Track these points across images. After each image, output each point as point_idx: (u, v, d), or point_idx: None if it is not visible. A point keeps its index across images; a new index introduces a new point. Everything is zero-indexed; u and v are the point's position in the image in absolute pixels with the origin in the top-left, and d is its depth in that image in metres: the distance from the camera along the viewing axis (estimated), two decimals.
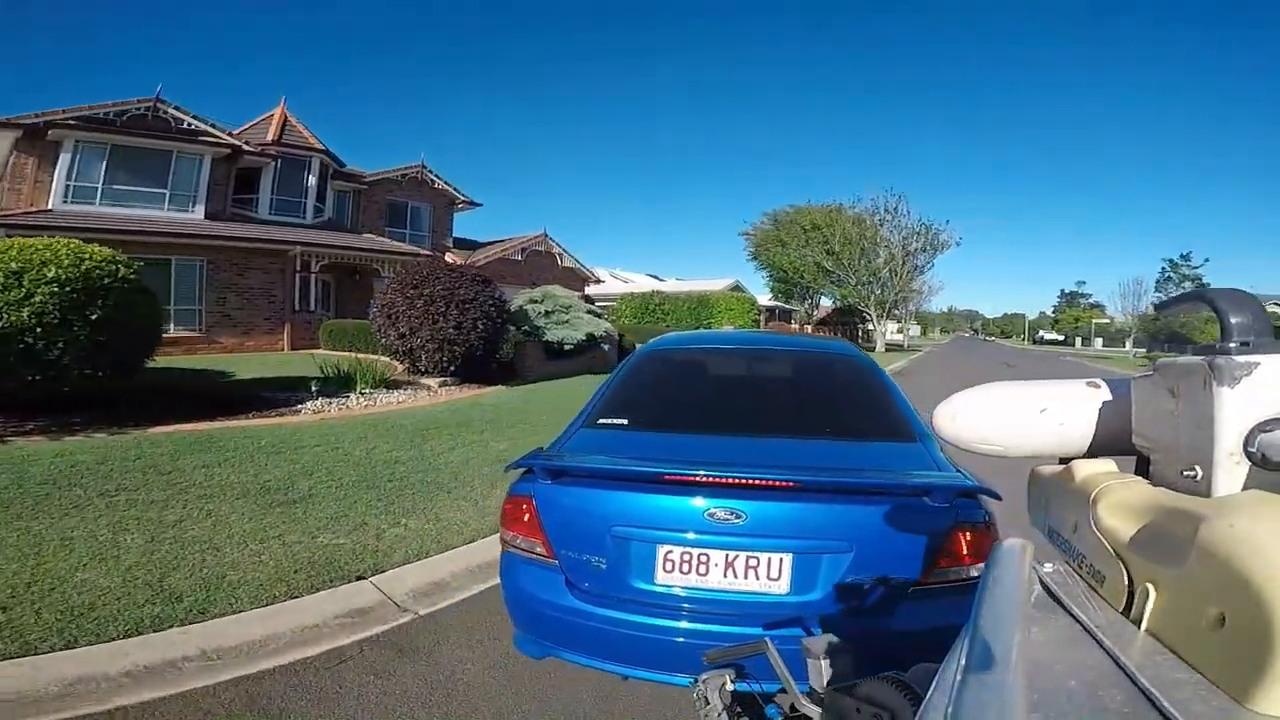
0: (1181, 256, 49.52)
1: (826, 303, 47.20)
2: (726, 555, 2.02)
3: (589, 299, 31.59)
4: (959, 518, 1.99)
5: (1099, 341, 71.39)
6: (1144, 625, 0.62)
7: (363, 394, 9.26)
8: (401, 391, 9.80)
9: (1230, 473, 0.61)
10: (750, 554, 2.01)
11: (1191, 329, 42.49)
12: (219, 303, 16.28)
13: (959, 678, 0.44)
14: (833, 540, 2.00)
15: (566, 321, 13.16)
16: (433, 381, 10.71)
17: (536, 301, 13.33)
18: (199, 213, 16.87)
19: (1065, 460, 0.87)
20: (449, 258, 21.93)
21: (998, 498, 1.98)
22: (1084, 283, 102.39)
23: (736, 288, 31.39)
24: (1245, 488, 0.61)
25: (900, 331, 53.14)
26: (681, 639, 1.97)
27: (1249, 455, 0.60)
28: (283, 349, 16.69)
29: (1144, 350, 47.06)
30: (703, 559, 2.02)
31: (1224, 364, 0.61)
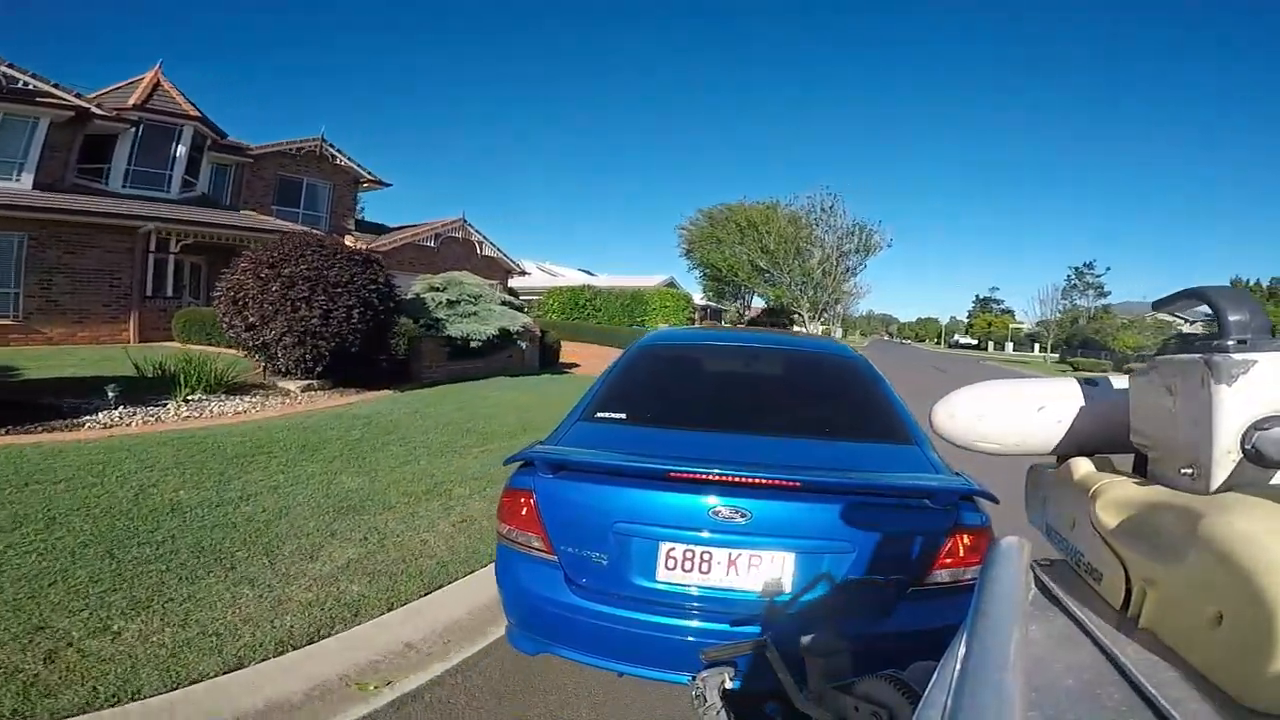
0: (1086, 265, 52.32)
1: (758, 303, 46.90)
2: (730, 554, 2.01)
3: (512, 291, 29.58)
4: (958, 520, 2.02)
5: (1010, 346, 75.38)
6: (1141, 623, 0.63)
7: (188, 401, 7.06)
8: (246, 398, 7.64)
9: (1228, 470, 0.62)
10: (754, 553, 2.01)
11: (1105, 335, 44.93)
12: (43, 286, 13.26)
13: (957, 676, 0.43)
14: (835, 540, 2.00)
15: (474, 314, 11.22)
16: (294, 385, 8.54)
17: (438, 289, 11.31)
18: (25, 181, 13.84)
19: (1063, 458, 0.91)
20: (349, 241, 19.54)
21: (995, 501, 2.00)
22: (997, 289, 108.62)
23: (671, 284, 30.13)
24: (1243, 485, 0.61)
25: (826, 334, 53.95)
26: (682, 637, 1.95)
27: (1246, 453, 0.60)
28: (128, 340, 13.83)
29: (1056, 356, 49.52)
30: (705, 557, 2.02)
31: (1222, 362, 0.61)
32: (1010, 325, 79.36)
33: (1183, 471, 0.67)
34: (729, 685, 1.40)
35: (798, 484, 1.99)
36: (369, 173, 23.25)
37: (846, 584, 1.97)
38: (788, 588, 1.98)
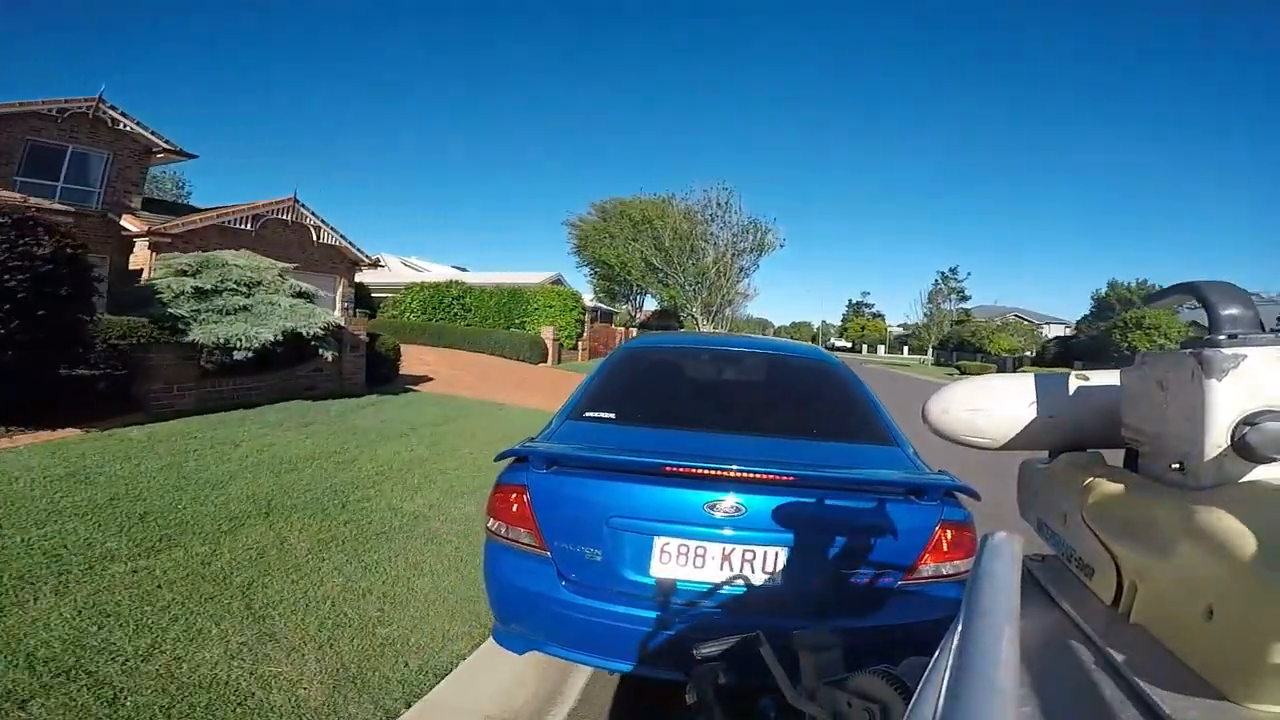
0: (950, 270, 54.45)
1: (651, 305, 44.76)
2: (724, 548, 2.02)
3: (362, 287, 24.94)
4: (944, 515, 2.06)
5: (881, 349, 79.49)
6: (1133, 618, 0.64)
7: None
8: None
9: (1218, 465, 0.61)
10: (747, 547, 2.01)
11: (980, 338, 47.31)
12: None
13: (950, 671, 0.43)
14: (827, 535, 2.03)
15: (245, 309, 7.40)
16: None
17: (186, 273, 7.36)
18: None
19: (1055, 453, 0.94)
20: (128, 222, 14.69)
21: (977, 497, 2.07)
22: (869, 293, 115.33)
23: (558, 282, 26.80)
24: (1233, 480, 0.61)
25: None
26: (676, 631, 1.95)
27: (1236, 447, 0.60)
28: None
29: (931, 358, 51.78)
30: (700, 551, 2.02)
31: (1212, 356, 0.61)
32: (883, 329, 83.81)
33: (1173, 466, 0.67)
34: (723, 681, 1.43)
35: (792, 478, 2.03)
36: (165, 141, 17.86)
37: (838, 578, 2.02)
38: (781, 582, 2.01)
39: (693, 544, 2.01)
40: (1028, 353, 42.60)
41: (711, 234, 30.66)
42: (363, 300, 24.48)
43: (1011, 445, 0.94)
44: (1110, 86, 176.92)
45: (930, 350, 49.83)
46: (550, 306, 22.28)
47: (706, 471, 1.99)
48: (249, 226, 18.21)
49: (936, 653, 0.58)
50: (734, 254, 30.42)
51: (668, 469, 2.02)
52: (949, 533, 2.04)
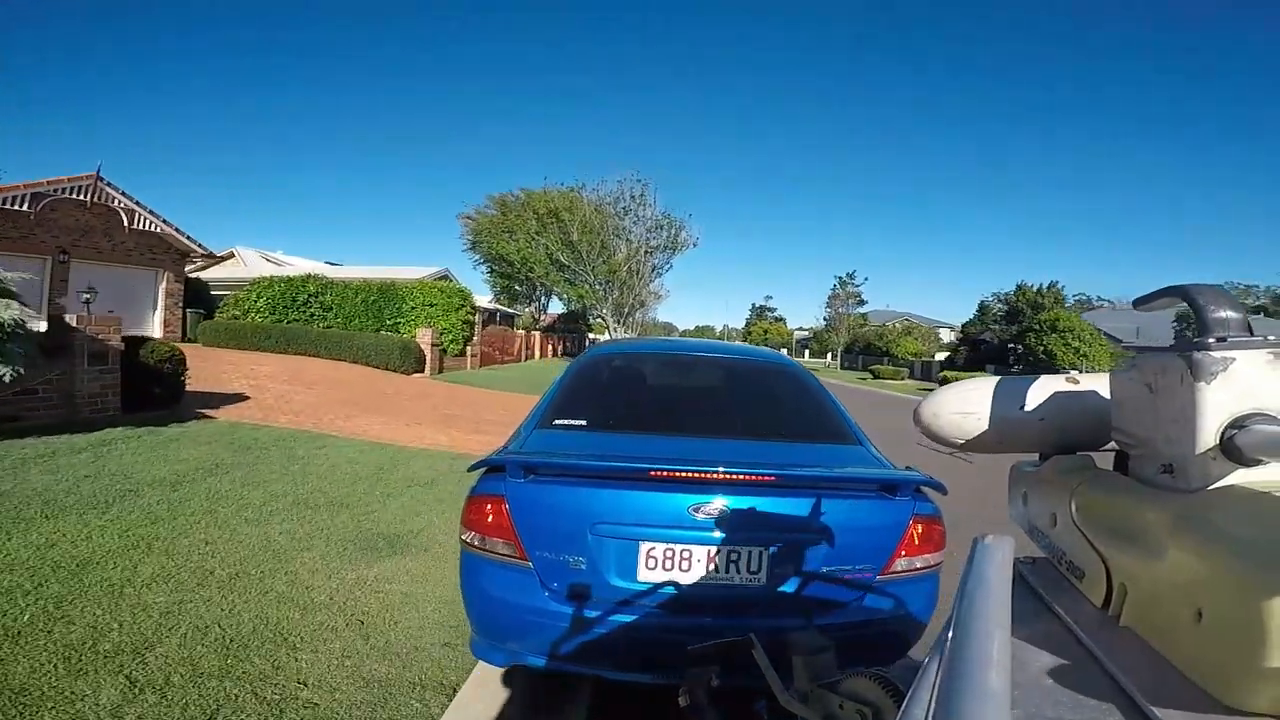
0: (848, 275, 55.85)
1: (555, 308, 41.79)
2: (709, 550, 2.01)
3: (200, 283, 20.45)
4: (916, 510, 2.12)
5: (785, 352, 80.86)
6: (1123, 620, 0.64)
7: None
8: None
9: (1207, 467, 0.61)
10: (732, 548, 2.01)
11: (888, 340, 48.04)
12: None
13: (941, 674, 0.43)
14: (808, 533, 2.04)
15: None
16: None
17: None
18: None
19: (1045, 456, 0.94)
20: None
21: (944, 491, 2.09)
22: (771, 297, 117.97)
23: (445, 278, 23.32)
24: (1222, 482, 0.61)
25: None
26: (665, 636, 1.94)
27: (1225, 450, 0.60)
28: None
29: (833, 362, 52.39)
30: (685, 555, 2.01)
31: (1202, 359, 0.61)
32: (786, 333, 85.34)
33: (1163, 469, 0.67)
34: (716, 683, 1.41)
35: (775, 479, 2.05)
36: None
37: (821, 575, 2.05)
38: (766, 581, 2.02)
39: (679, 548, 2.01)
40: (937, 356, 43.46)
41: (624, 229, 28.29)
42: (199, 299, 20.05)
43: (1002, 448, 0.94)
44: (986, 98, 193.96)
45: (837, 354, 50.07)
46: (431, 305, 18.60)
47: (693, 474, 2.00)
48: (25, 208, 13.78)
49: (928, 655, 0.57)
50: (647, 251, 28.24)
51: (654, 473, 2.02)
52: (920, 527, 2.11)
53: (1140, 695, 0.52)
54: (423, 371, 16.65)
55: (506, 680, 2.53)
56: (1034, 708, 0.53)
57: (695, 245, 29.41)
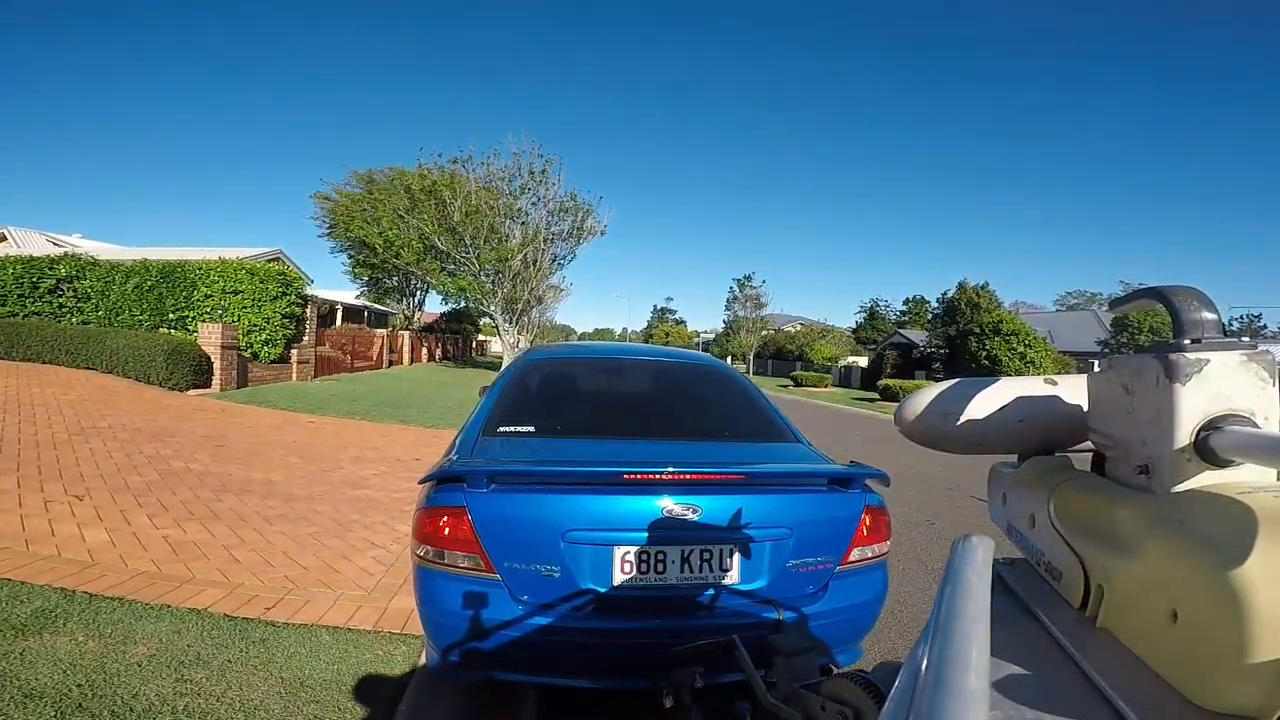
0: (746, 277, 54.27)
1: (435, 306, 35.96)
2: (682, 551, 2.02)
3: None
4: (867, 501, 2.23)
5: None
6: (1099, 621, 0.64)
7: None
8: None
9: (1182, 469, 0.61)
10: (704, 547, 2.03)
11: (801, 344, 46.19)
12: None
13: (921, 676, 0.44)
14: (775, 529, 2.08)
15: None
16: None
17: None
18: None
19: (1024, 456, 0.92)
20: None
21: (887, 482, 2.21)
22: (671, 299, 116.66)
23: (276, 259, 17.47)
24: (1196, 484, 0.61)
25: (514, 346, 45.32)
26: (644, 640, 1.95)
27: (1199, 451, 0.60)
28: None
29: (744, 366, 50.32)
30: (660, 556, 2.01)
31: (1177, 360, 0.61)
32: (688, 336, 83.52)
33: (1138, 470, 0.66)
34: (699, 684, 1.41)
35: (744, 477, 2.13)
36: None
37: (788, 568, 2.09)
38: (738, 578, 2.05)
39: (653, 549, 2.00)
40: (859, 361, 42.04)
41: (520, 210, 23.47)
42: None
43: (982, 449, 0.94)
44: (871, 101, 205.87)
45: (748, 358, 47.62)
46: (236, 292, 12.82)
47: (668, 476, 1.99)
48: None
49: (908, 656, 0.57)
50: (547, 238, 23.63)
51: (627, 476, 2.00)
52: (869, 518, 2.22)
53: (1117, 697, 0.52)
54: (211, 386, 11.18)
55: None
56: (1012, 710, 0.53)
57: (603, 233, 25.29)
